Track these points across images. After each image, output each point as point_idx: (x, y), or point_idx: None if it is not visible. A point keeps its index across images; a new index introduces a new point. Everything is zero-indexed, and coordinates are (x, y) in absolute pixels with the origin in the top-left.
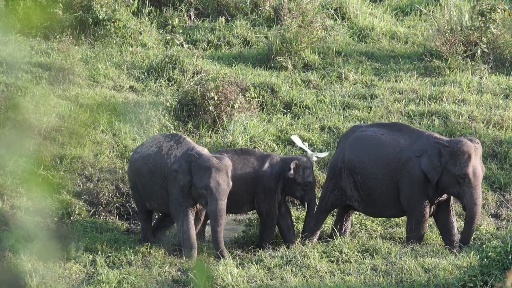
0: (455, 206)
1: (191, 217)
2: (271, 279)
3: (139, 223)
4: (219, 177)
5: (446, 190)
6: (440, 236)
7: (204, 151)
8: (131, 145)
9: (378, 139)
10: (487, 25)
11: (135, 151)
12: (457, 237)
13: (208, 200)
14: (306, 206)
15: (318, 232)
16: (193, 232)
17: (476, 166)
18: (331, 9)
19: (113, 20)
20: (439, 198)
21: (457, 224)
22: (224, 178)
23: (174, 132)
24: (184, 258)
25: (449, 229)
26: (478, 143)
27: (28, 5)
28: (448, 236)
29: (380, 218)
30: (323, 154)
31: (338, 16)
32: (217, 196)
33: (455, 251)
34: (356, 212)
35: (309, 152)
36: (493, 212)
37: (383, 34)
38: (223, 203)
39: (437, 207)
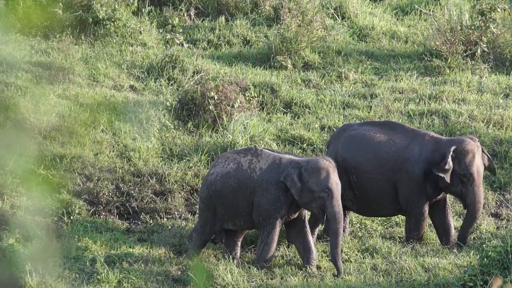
0: (456, 206)
1: (278, 231)
2: (271, 279)
3: (195, 242)
4: (336, 178)
5: (449, 189)
6: (437, 236)
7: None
8: (131, 145)
9: (373, 138)
10: (487, 24)
11: (209, 173)
12: (454, 237)
13: (328, 202)
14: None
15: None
16: (274, 247)
17: (479, 165)
18: (331, 8)
19: (113, 19)
20: (437, 197)
21: (456, 223)
22: (338, 178)
23: (246, 147)
24: (259, 271)
25: (447, 229)
26: (477, 141)
27: (28, 5)
28: (447, 236)
29: (379, 218)
30: None
31: (338, 15)
32: (338, 196)
33: (455, 250)
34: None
35: None
36: (493, 211)
37: (383, 33)
38: (341, 203)
39: (434, 207)
